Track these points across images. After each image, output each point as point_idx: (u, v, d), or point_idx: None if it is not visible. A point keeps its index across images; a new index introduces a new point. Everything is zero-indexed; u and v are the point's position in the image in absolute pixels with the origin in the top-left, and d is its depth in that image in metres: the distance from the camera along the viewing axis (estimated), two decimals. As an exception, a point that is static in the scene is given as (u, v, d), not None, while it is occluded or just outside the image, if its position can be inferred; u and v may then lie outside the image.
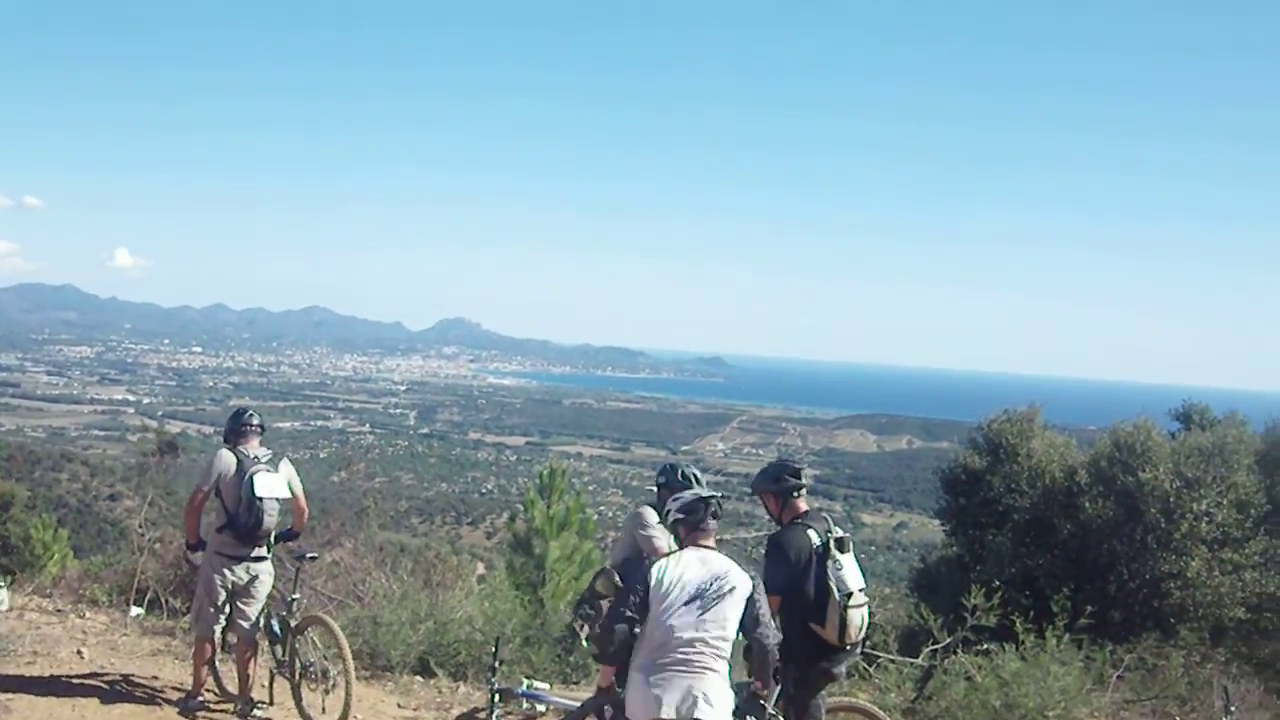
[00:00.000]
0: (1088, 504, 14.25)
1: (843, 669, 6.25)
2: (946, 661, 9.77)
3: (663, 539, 6.39)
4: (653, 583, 5.27)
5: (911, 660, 10.35)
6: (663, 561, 5.38)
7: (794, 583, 5.96)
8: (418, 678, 9.59)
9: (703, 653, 5.19)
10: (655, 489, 6.88)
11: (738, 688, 5.48)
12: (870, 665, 10.22)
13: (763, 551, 6.44)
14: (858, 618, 5.99)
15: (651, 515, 6.67)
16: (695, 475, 6.80)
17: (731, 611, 5.26)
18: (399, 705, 8.75)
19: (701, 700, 5.13)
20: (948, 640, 9.98)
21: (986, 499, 15.87)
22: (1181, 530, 13.42)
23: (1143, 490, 13.73)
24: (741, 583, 5.31)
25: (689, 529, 5.51)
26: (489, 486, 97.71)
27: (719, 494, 5.72)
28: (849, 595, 5.93)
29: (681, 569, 5.29)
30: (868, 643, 10.07)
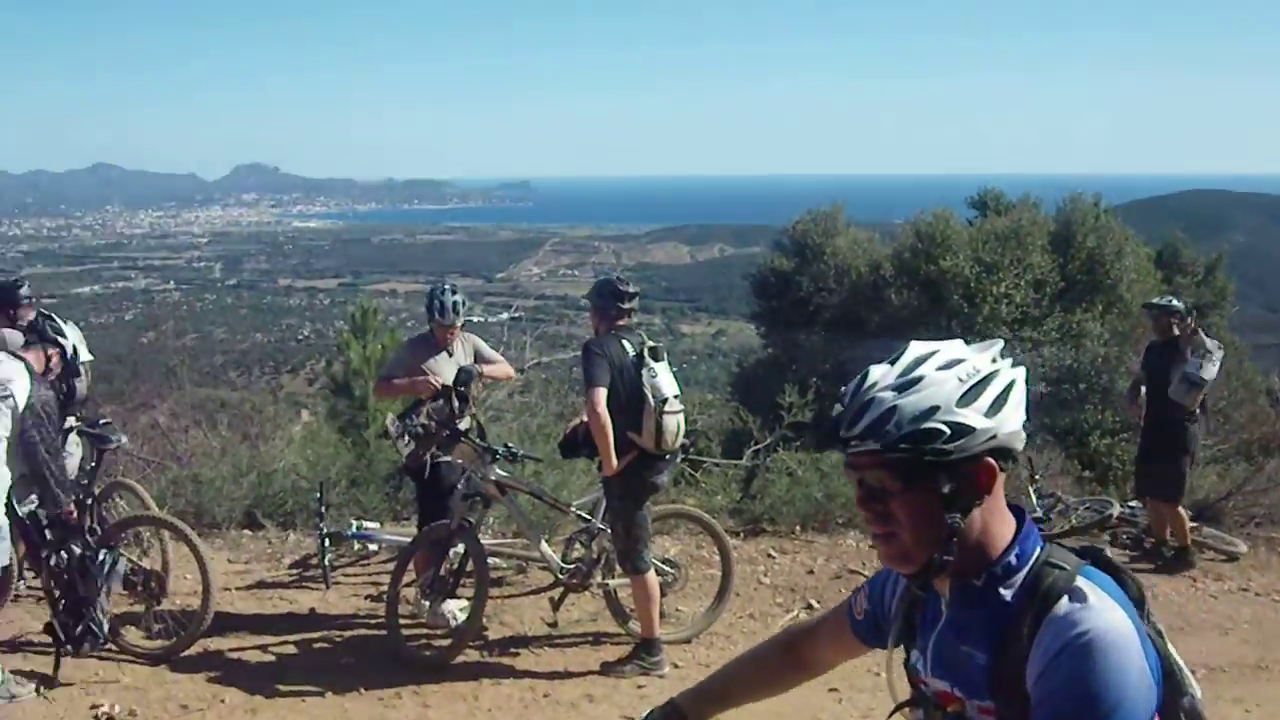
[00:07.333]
0: (893, 295, 14.65)
1: (665, 478, 6.37)
2: (769, 460, 10.04)
3: None
4: None
5: (736, 462, 10.61)
6: None
7: (611, 385, 6.02)
8: (246, 531, 9.40)
9: None
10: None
11: None
12: (696, 471, 10.43)
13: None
14: (673, 424, 6.08)
15: None
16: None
17: None
18: (229, 560, 8.62)
19: None
20: (768, 440, 10.25)
21: (797, 299, 16.19)
22: (984, 313, 13.92)
23: (945, 278, 14.15)
24: None
25: None
26: (305, 332, 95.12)
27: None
28: (664, 401, 6.01)
29: None
30: (692, 449, 10.26)
